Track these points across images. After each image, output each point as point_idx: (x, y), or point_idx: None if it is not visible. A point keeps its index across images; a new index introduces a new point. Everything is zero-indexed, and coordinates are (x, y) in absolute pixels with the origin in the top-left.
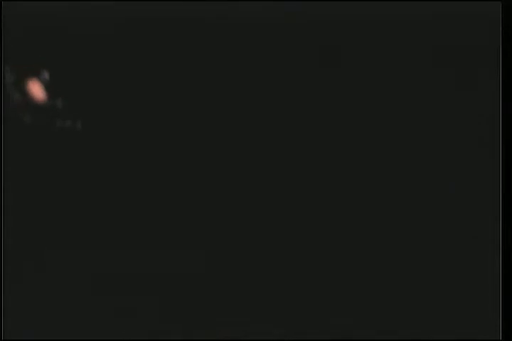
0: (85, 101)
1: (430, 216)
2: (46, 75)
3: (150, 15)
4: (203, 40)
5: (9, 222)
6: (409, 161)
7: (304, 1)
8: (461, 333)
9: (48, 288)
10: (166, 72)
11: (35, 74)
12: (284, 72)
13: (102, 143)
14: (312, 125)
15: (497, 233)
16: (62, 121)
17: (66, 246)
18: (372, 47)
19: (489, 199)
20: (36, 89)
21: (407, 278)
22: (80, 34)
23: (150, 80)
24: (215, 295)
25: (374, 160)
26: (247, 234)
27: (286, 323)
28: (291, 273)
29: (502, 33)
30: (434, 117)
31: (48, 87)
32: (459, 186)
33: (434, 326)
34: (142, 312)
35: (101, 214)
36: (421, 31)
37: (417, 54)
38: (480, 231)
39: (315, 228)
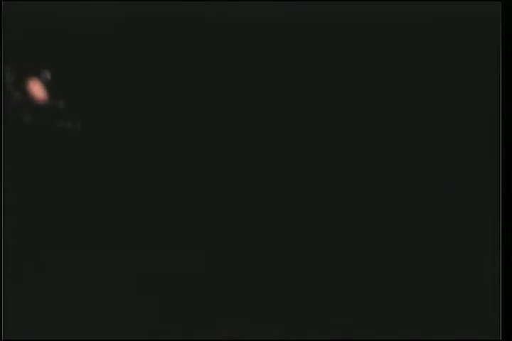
0: (85, 101)
1: (430, 216)
2: (47, 75)
3: (150, 15)
4: (203, 40)
5: (9, 222)
6: (410, 161)
7: (303, 1)
8: (461, 333)
9: (48, 288)
10: (166, 72)
11: (36, 73)
12: (284, 72)
13: (101, 143)
14: (312, 125)
15: (497, 233)
16: (62, 121)
17: (66, 246)
18: (372, 47)
19: (489, 199)
20: (36, 89)
21: (407, 278)
22: (80, 34)
23: (150, 80)
24: (215, 295)
25: (374, 160)
26: (247, 234)
27: (286, 323)
28: (291, 273)
29: (502, 33)
30: (434, 117)
31: (48, 86)
32: (459, 186)
33: (434, 326)
34: (142, 312)
35: (101, 214)
36: (421, 31)
37: (417, 54)
38: (480, 231)
39: (315, 228)
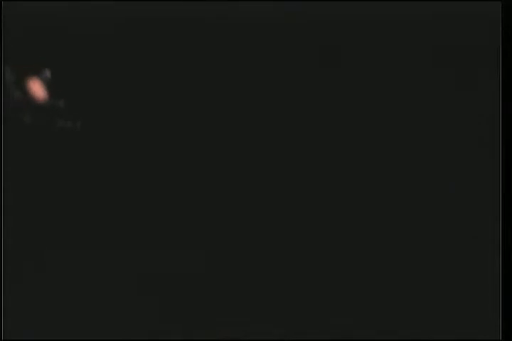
0: (86, 101)
1: (430, 216)
2: (47, 74)
3: (150, 15)
4: (203, 40)
5: (9, 222)
6: (410, 161)
7: (303, 1)
8: (461, 333)
9: (48, 288)
10: (167, 72)
11: (36, 73)
12: (284, 72)
13: (101, 143)
14: (312, 125)
15: (497, 233)
16: (62, 121)
17: (66, 246)
18: (372, 47)
19: (489, 199)
20: (37, 89)
21: (407, 278)
22: (80, 34)
23: (150, 80)
24: (215, 295)
25: (374, 160)
26: (247, 234)
27: (286, 323)
28: (291, 274)
29: (502, 33)
30: (434, 117)
31: (48, 86)
32: (459, 186)
33: (434, 326)
34: (142, 312)
35: (101, 214)
36: (421, 31)
37: (417, 54)
38: (480, 231)
39: (315, 228)
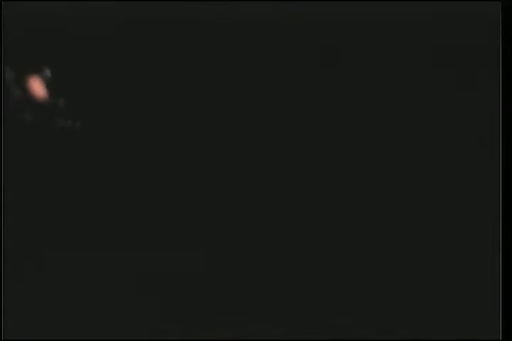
0: (86, 101)
1: (430, 216)
2: (47, 74)
3: (150, 15)
4: (203, 40)
5: (9, 222)
6: (409, 161)
7: (303, 1)
8: (461, 333)
9: (48, 288)
10: (166, 71)
11: (36, 73)
12: (284, 72)
13: (101, 142)
14: (312, 125)
15: (497, 233)
16: (62, 120)
17: (66, 246)
18: (372, 47)
19: (489, 199)
20: (37, 89)
21: (407, 278)
22: (80, 34)
23: (150, 80)
24: (215, 295)
25: (374, 160)
26: (247, 234)
27: (286, 323)
28: (291, 273)
29: (502, 33)
30: (434, 117)
31: (48, 86)
32: (459, 186)
33: (434, 326)
34: (142, 312)
35: (101, 214)
36: (421, 31)
37: (417, 54)
38: (480, 231)
39: (315, 228)
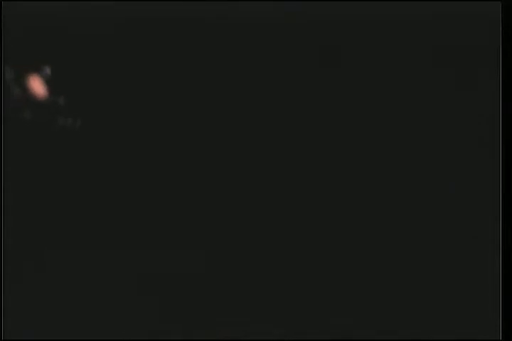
0: (86, 101)
1: (430, 216)
2: (47, 74)
3: (150, 15)
4: (203, 40)
5: (9, 222)
6: (410, 161)
7: (303, 1)
8: (461, 333)
9: (48, 288)
10: (166, 71)
11: (36, 73)
12: (284, 72)
13: (101, 142)
14: (312, 125)
15: (497, 233)
16: (63, 120)
17: (66, 246)
18: (372, 47)
19: (489, 199)
20: (37, 88)
21: (407, 278)
22: (80, 34)
23: (150, 80)
24: (215, 295)
25: (374, 160)
26: (247, 234)
27: (286, 323)
28: (291, 273)
29: (502, 33)
30: (434, 117)
31: (48, 86)
32: (459, 186)
33: (434, 326)
34: (142, 312)
35: (101, 213)
36: (421, 31)
37: (417, 54)
38: (480, 231)
39: (315, 228)
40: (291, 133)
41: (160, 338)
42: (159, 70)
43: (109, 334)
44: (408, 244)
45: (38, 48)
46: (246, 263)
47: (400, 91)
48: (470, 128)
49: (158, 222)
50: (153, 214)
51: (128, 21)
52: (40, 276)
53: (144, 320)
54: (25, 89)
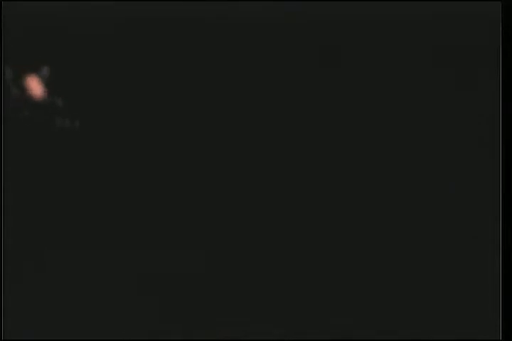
0: (86, 100)
1: (430, 216)
2: (47, 72)
3: (150, 15)
4: (203, 40)
5: (9, 222)
6: (410, 161)
7: (303, 1)
8: (461, 333)
9: (48, 288)
10: (166, 71)
11: (36, 71)
12: (284, 72)
13: (102, 143)
14: (312, 125)
15: (497, 233)
16: (63, 120)
17: (66, 246)
18: (372, 47)
19: (489, 199)
20: (37, 88)
21: (407, 278)
22: (80, 34)
23: (150, 80)
24: (215, 295)
25: (374, 160)
26: (247, 234)
27: (286, 323)
28: (291, 274)
29: (502, 33)
30: (434, 117)
31: (48, 86)
32: (459, 186)
33: (434, 326)
34: (142, 312)
35: (101, 213)
36: (421, 31)
37: (417, 54)
38: (480, 231)
39: (315, 228)
40: (291, 133)
41: (160, 338)
42: (159, 70)
43: (109, 334)
44: (408, 244)
45: (37, 48)
46: (246, 263)
47: (400, 91)
48: (470, 128)
49: (158, 222)
50: (153, 214)
51: (128, 21)
52: (40, 276)
53: (143, 320)
54: (25, 89)
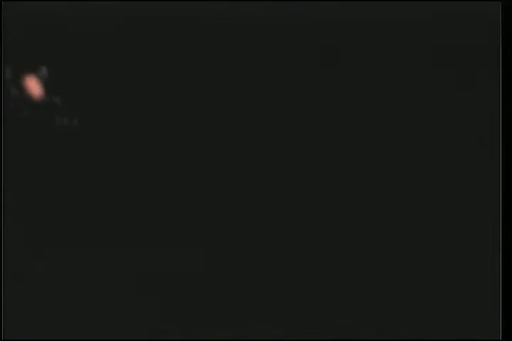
0: (86, 100)
1: (430, 216)
2: (46, 71)
3: (150, 15)
4: (203, 40)
5: (9, 221)
6: (410, 161)
7: (303, 1)
8: (461, 333)
9: (48, 288)
10: (166, 71)
11: (36, 70)
12: (284, 72)
13: (103, 143)
14: (312, 125)
15: (497, 233)
16: (64, 121)
17: (66, 246)
18: (372, 47)
19: (489, 199)
20: (37, 87)
21: (407, 278)
22: (80, 34)
23: (150, 80)
24: (215, 295)
25: (374, 160)
26: (247, 234)
27: (286, 323)
28: (291, 273)
29: (502, 33)
30: (434, 117)
31: (48, 86)
32: (459, 186)
33: (434, 326)
34: (142, 312)
35: (101, 213)
36: (421, 31)
37: (417, 54)
38: (480, 231)
39: (315, 228)
40: (291, 133)
41: (160, 338)
42: (159, 70)
43: (109, 334)
44: (408, 244)
45: (37, 48)
46: (246, 263)
47: (400, 92)
48: (470, 128)
49: (158, 222)
50: (153, 214)
51: (128, 21)
52: (40, 276)
53: (144, 320)
54: (25, 89)
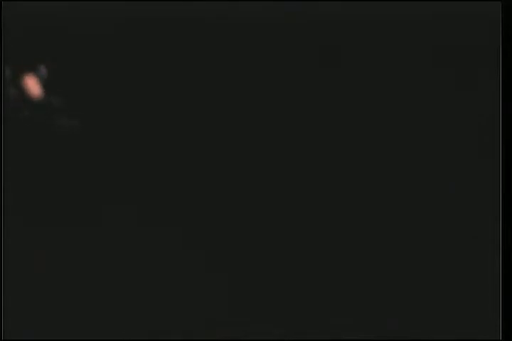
0: (86, 101)
1: (430, 216)
2: (46, 71)
3: (150, 15)
4: (203, 40)
5: (9, 221)
6: (409, 161)
7: (303, 1)
8: (461, 333)
9: (48, 288)
10: (166, 71)
11: (36, 70)
12: (284, 72)
13: (103, 143)
14: (312, 125)
15: (497, 233)
16: (64, 121)
17: (66, 246)
18: (372, 47)
19: (489, 199)
20: (37, 87)
21: (406, 278)
22: (80, 34)
23: (150, 80)
24: (215, 295)
25: (374, 160)
26: (247, 234)
27: (286, 323)
28: (291, 273)
29: (502, 33)
30: (433, 117)
31: (48, 87)
32: (459, 186)
33: (434, 326)
34: (142, 312)
35: (101, 213)
36: (421, 31)
37: (417, 54)
38: (480, 231)
39: (315, 228)
40: (291, 133)
41: (160, 338)
42: (159, 70)
43: (109, 334)
44: (408, 244)
45: (38, 48)
46: (246, 263)
47: (400, 92)
48: (470, 128)
49: (157, 221)
50: (153, 214)
51: (128, 21)
52: (40, 276)
53: (144, 320)
54: (25, 89)
